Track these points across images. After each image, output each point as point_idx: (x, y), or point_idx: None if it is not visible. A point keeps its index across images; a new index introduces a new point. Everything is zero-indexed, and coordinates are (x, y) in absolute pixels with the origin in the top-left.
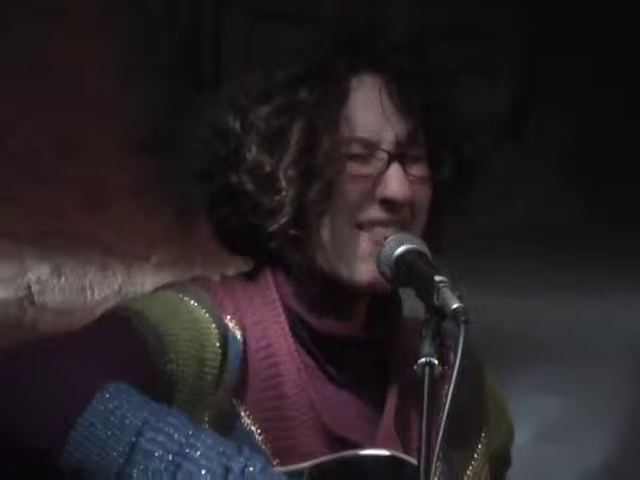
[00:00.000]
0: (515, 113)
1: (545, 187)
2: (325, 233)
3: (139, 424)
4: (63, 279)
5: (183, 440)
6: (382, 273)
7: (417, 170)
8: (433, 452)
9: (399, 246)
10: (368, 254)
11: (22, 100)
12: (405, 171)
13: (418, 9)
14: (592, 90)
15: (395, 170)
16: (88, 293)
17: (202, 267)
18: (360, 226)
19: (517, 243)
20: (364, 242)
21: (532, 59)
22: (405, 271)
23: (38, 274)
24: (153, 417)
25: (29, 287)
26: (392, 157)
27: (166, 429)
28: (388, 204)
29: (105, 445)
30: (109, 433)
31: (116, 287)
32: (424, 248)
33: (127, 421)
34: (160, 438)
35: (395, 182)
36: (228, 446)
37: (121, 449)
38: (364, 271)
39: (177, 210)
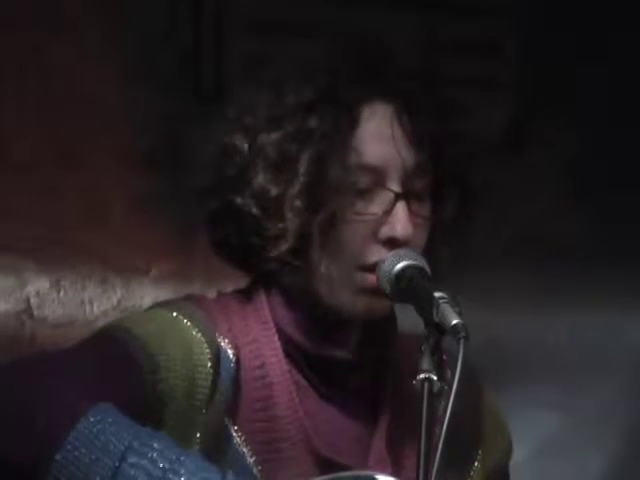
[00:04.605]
0: (515, 127)
1: (545, 201)
2: (326, 268)
3: (123, 449)
4: (62, 293)
5: (167, 466)
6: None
7: (420, 209)
8: (431, 470)
9: (399, 262)
10: (367, 289)
11: (23, 112)
12: (410, 210)
13: (419, 22)
14: (593, 104)
15: (401, 210)
16: (87, 307)
17: (202, 281)
18: (362, 268)
19: (516, 258)
20: (365, 280)
21: (533, 72)
22: (405, 287)
23: (37, 287)
24: (137, 441)
25: (28, 300)
26: (398, 196)
27: (150, 454)
28: (390, 243)
29: (89, 470)
30: (93, 457)
31: (115, 301)
32: (424, 264)
33: (111, 445)
34: (143, 463)
35: (400, 223)
36: (212, 472)
37: (104, 474)
38: (364, 303)
39: (177, 224)
